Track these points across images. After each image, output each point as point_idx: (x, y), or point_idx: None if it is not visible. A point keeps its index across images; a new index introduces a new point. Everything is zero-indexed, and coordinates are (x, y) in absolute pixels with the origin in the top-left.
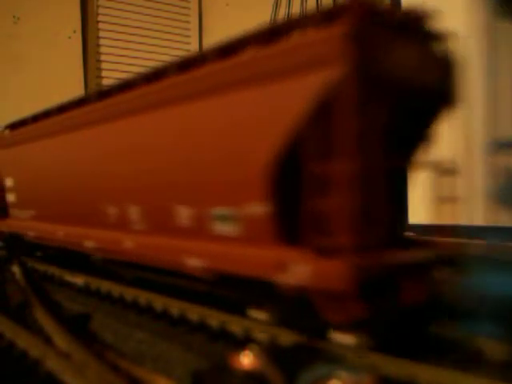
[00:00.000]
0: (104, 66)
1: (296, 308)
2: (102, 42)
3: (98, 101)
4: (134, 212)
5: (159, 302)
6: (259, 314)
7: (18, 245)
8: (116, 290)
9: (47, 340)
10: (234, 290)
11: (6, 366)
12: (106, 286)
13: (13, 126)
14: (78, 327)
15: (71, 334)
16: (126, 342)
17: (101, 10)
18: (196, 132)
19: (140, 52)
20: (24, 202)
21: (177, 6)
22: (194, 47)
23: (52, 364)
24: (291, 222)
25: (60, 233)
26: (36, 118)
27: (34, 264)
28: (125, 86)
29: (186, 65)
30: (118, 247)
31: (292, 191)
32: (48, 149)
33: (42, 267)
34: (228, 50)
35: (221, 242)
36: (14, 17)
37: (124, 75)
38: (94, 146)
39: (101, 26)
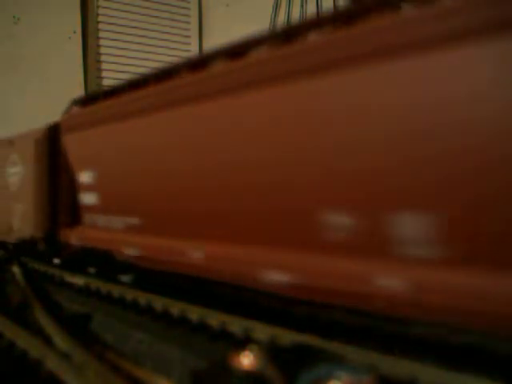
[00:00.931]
0: (104, 66)
1: None
2: (102, 42)
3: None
4: (419, 223)
5: (159, 302)
6: None
7: (98, 263)
8: (116, 290)
9: (47, 340)
10: None
11: (6, 366)
12: (105, 286)
13: (85, 101)
14: (78, 327)
15: (71, 335)
16: (126, 343)
17: (101, 11)
18: None
19: (140, 52)
20: (115, 205)
21: (177, 6)
22: (193, 48)
23: (52, 364)
24: None
25: (195, 254)
26: (136, 85)
27: (33, 264)
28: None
29: None
30: (360, 288)
31: None
32: (173, 125)
33: (41, 267)
34: None
35: None
36: (14, 17)
37: (124, 75)
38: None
39: (101, 26)
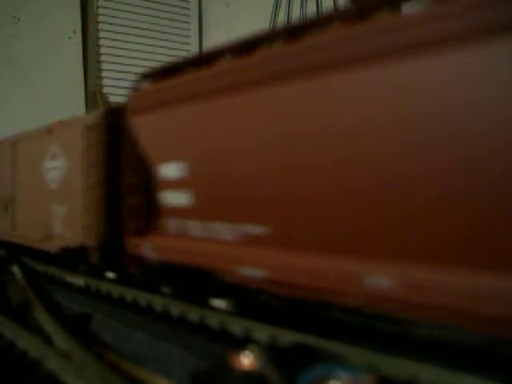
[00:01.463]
0: (104, 66)
1: None
2: (102, 42)
3: None
4: None
5: (159, 302)
6: None
7: (181, 282)
8: (116, 290)
9: (47, 340)
10: None
11: (6, 366)
12: (105, 286)
13: (162, 74)
14: (78, 327)
15: (71, 334)
16: (126, 343)
17: (101, 11)
18: None
19: (140, 52)
20: (220, 208)
21: (177, 6)
22: (193, 47)
23: (52, 364)
24: None
25: (380, 281)
26: (245, 48)
27: (33, 264)
28: None
29: None
30: None
31: None
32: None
33: (41, 267)
34: None
35: None
36: (14, 17)
37: (124, 75)
38: None
39: (101, 26)
